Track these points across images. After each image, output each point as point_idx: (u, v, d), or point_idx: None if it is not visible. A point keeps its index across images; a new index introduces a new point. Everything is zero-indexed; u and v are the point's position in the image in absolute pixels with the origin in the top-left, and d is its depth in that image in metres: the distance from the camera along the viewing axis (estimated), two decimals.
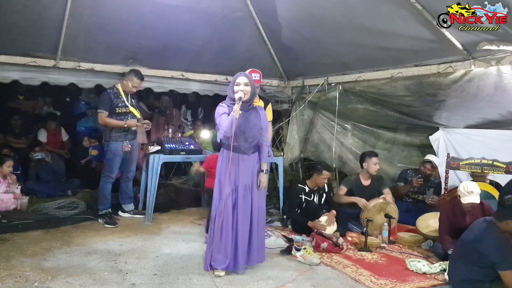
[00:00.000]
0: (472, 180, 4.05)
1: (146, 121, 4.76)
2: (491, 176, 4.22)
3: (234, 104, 3.14)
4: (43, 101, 6.56)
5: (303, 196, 4.51)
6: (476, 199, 3.44)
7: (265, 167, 3.34)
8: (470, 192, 3.43)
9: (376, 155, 4.79)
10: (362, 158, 4.83)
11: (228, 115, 3.14)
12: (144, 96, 6.50)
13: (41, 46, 4.31)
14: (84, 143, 6.16)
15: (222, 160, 3.29)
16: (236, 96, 3.11)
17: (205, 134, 6.37)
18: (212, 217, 3.28)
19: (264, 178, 3.32)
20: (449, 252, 3.41)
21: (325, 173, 4.42)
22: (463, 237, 3.02)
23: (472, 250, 2.80)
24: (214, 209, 3.26)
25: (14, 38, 4.12)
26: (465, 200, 3.47)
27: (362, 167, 4.80)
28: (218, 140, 3.28)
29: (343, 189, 4.77)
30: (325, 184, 4.62)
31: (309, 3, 3.99)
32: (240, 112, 3.07)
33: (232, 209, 3.22)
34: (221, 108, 3.24)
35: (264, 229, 3.60)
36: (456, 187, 4.50)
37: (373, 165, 4.68)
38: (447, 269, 3.21)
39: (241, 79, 3.19)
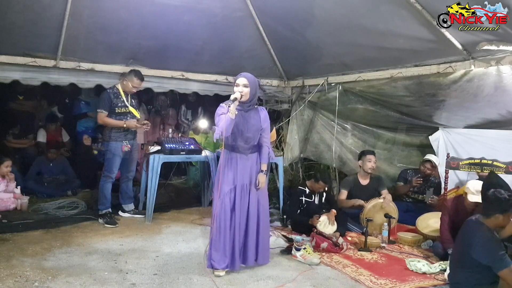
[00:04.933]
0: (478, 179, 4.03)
1: (146, 121, 4.76)
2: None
3: None
4: (46, 102, 6.55)
5: (304, 198, 4.52)
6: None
7: (264, 167, 3.36)
8: (478, 191, 3.42)
9: (371, 153, 4.81)
10: (359, 158, 4.87)
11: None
12: (141, 96, 6.50)
13: (41, 46, 4.31)
14: (84, 141, 6.17)
15: (221, 159, 3.33)
16: (232, 96, 3.14)
17: (203, 124, 6.41)
18: (212, 216, 3.29)
19: (262, 179, 3.34)
20: (449, 251, 3.41)
21: (321, 184, 4.46)
22: (457, 242, 3.04)
23: (466, 255, 2.80)
24: (214, 208, 3.28)
25: (14, 38, 4.12)
26: (471, 198, 3.46)
27: (359, 166, 4.83)
28: (214, 140, 3.29)
29: (344, 193, 4.79)
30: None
31: (309, 3, 3.98)
32: (237, 112, 3.10)
33: (230, 209, 3.24)
34: (221, 109, 3.25)
35: (269, 230, 3.60)
36: (457, 187, 4.52)
37: (367, 162, 4.71)
38: (447, 270, 3.22)
39: (240, 80, 3.21)
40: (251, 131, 3.27)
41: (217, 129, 3.15)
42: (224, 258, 3.21)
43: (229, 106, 3.16)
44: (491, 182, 2.91)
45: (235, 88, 3.20)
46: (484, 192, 2.89)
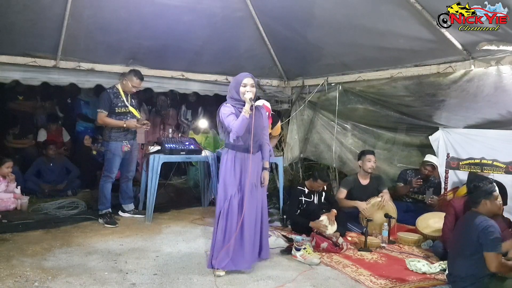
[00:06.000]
0: None
1: (146, 121, 4.75)
2: (491, 175, 4.21)
3: (239, 104, 3.19)
4: (48, 102, 6.55)
5: (303, 198, 4.52)
6: None
7: (267, 165, 3.39)
8: None
9: (371, 152, 4.81)
10: (359, 158, 4.87)
11: (235, 115, 3.17)
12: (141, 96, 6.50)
13: (41, 46, 4.32)
14: (85, 141, 6.17)
15: (227, 160, 3.30)
16: (247, 96, 3.14)
17: (203, 124, 6.42)
18: (216, 216, 3.29)
19: (267, 176, 3.37)
20: None
21: (320, 182, 4.46)
22: (455, 235, 3.10)
23: (466, 241, 2.84)
24: (219, 208, 3.27)
25: (14, 38, 4.12)
26: None
27: (359, 166, 4.83)
28: (232, 141, 3.24)
29: (343, 192, 4.79)
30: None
31: (309, 3, 3.99)
32: (250, 112, 3.12)
33: (238, 209, 3.23)
34: (227, 109, 3.24)
35: (268, 227, 3.62)
36: (457, 187, 4.52)
37: (367, 162, 4.72)
38: (447, 270, 3.22)
39: (248, 80, 3.21)
40: (259, 130, 3.29)
41: (233, 130, 3.15)
42: (225, 258, 3.21)
43: (233, 106, 3.20)
44: (471, 178, 3.06)
45: (242, 88, 3.19)
46: (467, 187, 3.06)
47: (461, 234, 2.96)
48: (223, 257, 3.21)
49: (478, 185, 2.92)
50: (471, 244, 2.81)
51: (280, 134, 5.81)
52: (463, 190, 3.91)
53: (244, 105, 3.14)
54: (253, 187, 3.29)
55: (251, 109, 3.14)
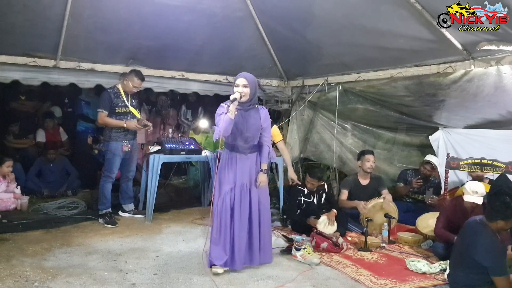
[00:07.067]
0: (471, 180, 4.05)
1: (148, 123, 4.73)
2: (491, 175, 4.22)
3: None
4: (49, 103, 6.56)
5: (302, 198, 4.52)
6: (478, 200, 3.45)
7: (264, 167, 3.37)
8: (474, 192, 3.46)
9: (370, 152, 4.82)
10: (358, 158, 4.88)
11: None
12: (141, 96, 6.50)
13: (41, 46, 4.32)
14: (88, 140, 6.17)
15: (223, 159, 3.34)
16: (232, 96, 3.16)
17: (203, 124, 6.42)
18: (212, 215, 3.30)
19: (262, 178, 3.35)
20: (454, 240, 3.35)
21: (309, 179, 4.47)
22: (457, 241, 3.04)
23: (467, 256, 2.80)
24: (214, 207, 3.29)
25: (14, 38, 4.12)
26: (468, 198, 3.49)
27: (359, 166, 4.84)
28: (214, 140, 3.31)
29: (344, 193, 4.79)
30: (325, 184, 4.64)
31: (309, 3, 3.99)
32: (236, 112, 3.13)
33: (230, 208, 3.26)
34: (221, 109, 3.27)
35: (270, 229, 3.59)
36: (457, 187, 4.53)
37: (366, 162, 4.72)
38: (447, 270, 3.22)
39: (240, 80, 3.23)
40: (250, 131, 3.28)
41: (217, 129, 3.18)
42: (223, 255, 3.22)
43: (228, 106, 3.18)
44: (499, 186, 2.84)
45: (235, 89, 3.22)
46: (490, 196, 2.85)
47: (464, 243, 2.90)
48: (221, 254, 3.22)
49: (504, 204, 2.70)
50: (470, 259, 2.77)
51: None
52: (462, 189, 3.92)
53: (236, 106, 3.16)
54: (244, 188, 3.30)
55: (241, 108, 3.16)
